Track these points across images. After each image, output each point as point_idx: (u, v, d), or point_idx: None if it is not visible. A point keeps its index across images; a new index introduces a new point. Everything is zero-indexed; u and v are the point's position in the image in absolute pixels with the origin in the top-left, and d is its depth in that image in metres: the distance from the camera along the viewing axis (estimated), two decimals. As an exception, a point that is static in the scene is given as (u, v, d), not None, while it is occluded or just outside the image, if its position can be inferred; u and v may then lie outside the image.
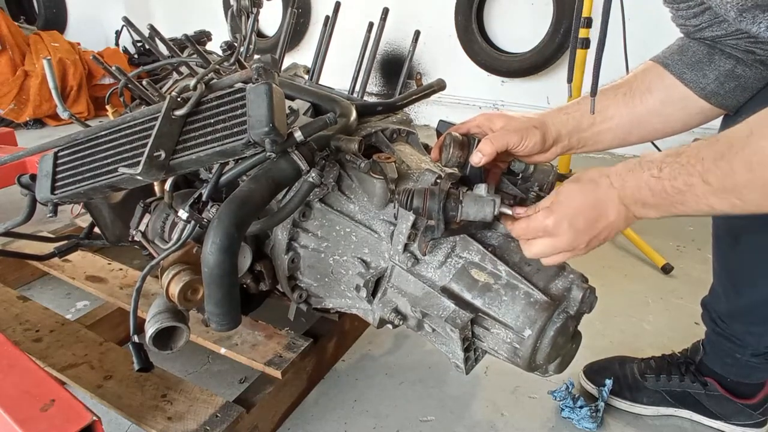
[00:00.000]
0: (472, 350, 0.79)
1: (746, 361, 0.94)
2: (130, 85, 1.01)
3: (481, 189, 0.69)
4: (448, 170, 0.80)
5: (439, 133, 0.84)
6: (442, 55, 3.31)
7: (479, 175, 0.76)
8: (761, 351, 0.92)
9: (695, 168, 0.55)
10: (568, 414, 1.04)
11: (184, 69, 1.26)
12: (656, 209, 0.60)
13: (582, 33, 2.07)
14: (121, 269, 1.32)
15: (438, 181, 0.76)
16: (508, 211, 0.68)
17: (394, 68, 3.64)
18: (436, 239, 0.75)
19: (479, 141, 0.74)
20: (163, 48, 1.20)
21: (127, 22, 1.12)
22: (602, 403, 1.04)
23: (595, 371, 1.13)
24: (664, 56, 0.79)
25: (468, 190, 0.71)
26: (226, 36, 1.23)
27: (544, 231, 0.64)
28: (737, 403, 0.98)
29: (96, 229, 1.12)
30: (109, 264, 1.34)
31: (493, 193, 0.68)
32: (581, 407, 1.03)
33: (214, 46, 1.58)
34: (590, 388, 1.12)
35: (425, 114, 3.48)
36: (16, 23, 3.37)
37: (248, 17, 0.93)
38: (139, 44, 4.14)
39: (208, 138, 0.77)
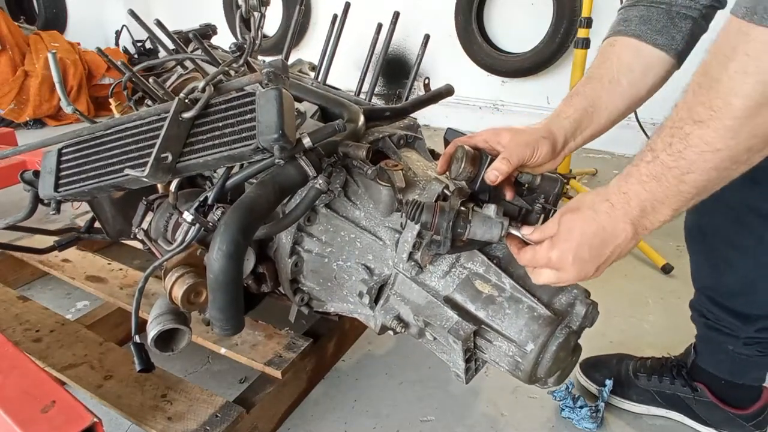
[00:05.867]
0: (473, 360, 0.80)
1: (738, 354, 0.95)
2: (134, 80, 1.00)
3: (491, 210, 0.69)
4: (458, 184, 0.80)
5: (446, 141, 0.84)
6: (442, 55, 3.30)
7: (488, 191, 0.76)
8: (751, 334, 0.93)
9: (681, 117, 0.54)
10: (568, 414, 1.05)
11: (188, 63, 1.24)
12: (667, 201, 0.57)
13: (582, 33, 2.07)
14: (121, 269, 1.32)
15: (447, 193, 0.76)
16: (516, 233, 0.68)
17: (394, 68, 3.62)
18: (439, 254, 0.75)
19: (491, 159, 0.74)
20: (168, 42, 1.19)
21: (133, 15, 1.11)
22: (602, 404, 1.05)
23: (591, 366, 1.15)
24: (632, 29, 0.80)
25: (475, 206, 0.71)
26: (227, 35, 1.21)
27: (549, 264, 0.64)
28: (727, 412, 1.00)
29: (97, 224, 1.11)
30: (109, 264, 1.34)
31: (501, 215, 0.68)
32: (581, 407, 1.04)
33: (216, 41, 1.57)
34: (584, 381, 1.14)
35: (425, 114, 3.47)
36: (16, 23, 3.33)
37: (256, 16, 0.92)
38: (139, 44, 4.10)
39: (216, 142, 0.77)
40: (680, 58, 0.80)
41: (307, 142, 0.76)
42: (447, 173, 0.81)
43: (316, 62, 1.26)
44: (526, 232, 0.68)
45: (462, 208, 0.70)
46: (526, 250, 0.67)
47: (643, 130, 1.96)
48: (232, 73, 1.00)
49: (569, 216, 0.63)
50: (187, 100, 0.78)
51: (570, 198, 2.15)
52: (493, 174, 0.72)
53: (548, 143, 0.76)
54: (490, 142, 0.78)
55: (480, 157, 0.76)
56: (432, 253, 0.75)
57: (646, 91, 0.81)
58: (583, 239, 0.61)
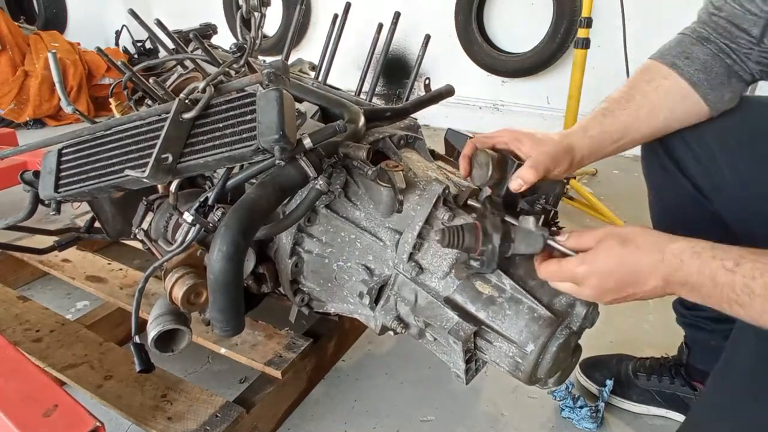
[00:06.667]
0: (473, 361, 0.80)
1: (723, 348, 0.96)
2: (134, 79, 1.00)
3: (530, 223, 0.67)
4: (462, 184, 0.79)
5: (447, 142, 0.84)
6: (442, 55, 3.30)
7: (513, 198, 0.75)
8: (728, 327, 0.94)
9: None
10: (568, 414, 1.06)
11: (188, 63, 1.24)
12: (704, 298, 0.58)
13: (582, 33, 2.08)
14: (121, 269, 1.32)
15: (484, 210, 0.75)
16: (556, 245, 0.66)
17: (395, 68, 3.62)
18: (482, 273, 0.74)
19: (518, 165, 0.73)
20: (168, 42, 1.19)
21: (133, 14, 1.11)
22: (602, 404, 1.05)
23: (591, 365, 1.16)
24: (690, 72, 0.77)
25: (507, 217, 0.70)
26: (227, 36, 1.22)
27: (572, 278, 0.63)
28: None
29: (97, 224, 1.11)
30: (109, 264, 1.34)
31: (540, 226, 0.67)
32: (581, 407, 1.05)
33: (217, 41, 1.56)
34: (584, 381, 1.14)
35: (425, 114, 3.46)
36: (16, 23, 3.33)
37: (257, 17, 0.91)
38: (139, 44, 4.10)
39: (217, 142, 0.77)
40: (717, 113, 0.79)
41: (307, 142, 0.76)
42: (469, 179, 0.80)
43: (316, 62, 1.26)
44: (560, 239, 0.67)
45: (504, 226, 0.68)
46: (550, 263, 0.66)
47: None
48: (233, 73, 1.00)
49: (614, 243, 0.62)
50: (187, 101, 0.78)
51: (571, 198, 2.16)
52: (518, 183, 0.72)
53: (568, 159, 0.76)
54: (511, 146, 0.77)
55: (506, 162, 0.75)
56: (471, 272, 0.74)
57: (672, 130, 0.81)
58: (617, 271, 0.61)
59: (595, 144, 0.78)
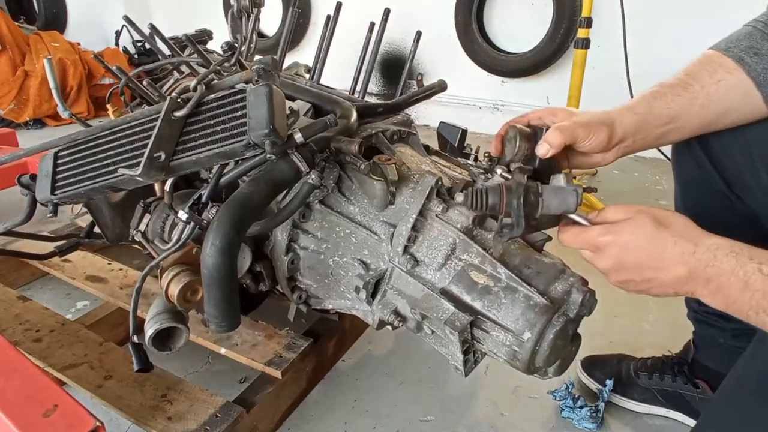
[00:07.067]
0: (471, 352, 0.79)
1: (731, 346, 0.94)
2: (130, 84, 1.01)
3: (560, 179, 0.64)
4: (463, 175, 0.77)
5: (440, 135, 0.84)
6: (442, 55, 3.31)
7: (550, 168, 0.69)
8: (736, 325, 0.92)
9: None
10: (568, 414, 1.05)
11: (184, 68, 1.26)
12: (727, 302, 0.54)
13: (582, 33, 2.08)
14: (121, 269, 1.32)
15: (507, 176, 0.71)
16: (579, 219, 0.63)
17: (394, 68, 3.63)
18: (514, 238, 0.70)
19: (547, 129, 0.69)
20: (163, 47, 1.20)
21: (128, 21, 1.12)
22: (602, 404, 1.04)
23: (592, 364, 1.14)
24: (757, 71, 0.70)
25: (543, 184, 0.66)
26: (227, 37, 1.23)
27: (592, 246, 0.61)
28: None
29: (96, 228, 1.12)
30: (109, 264, 1.34)
31: (572, 182, 0.63)
32: (581, 407, 1.04)
33: (215, 45, 1.58)
34: (585, 378, 1.13)
35: (425, 114, 3.48)
36: (16, 23, 3.37)
37: (249, 17, 0.92)
38: (139, 44, 4.13)
39: (208, 139, 0.77)
40: None
41: (298, 137, 0.77)
42: (502, 156, 0.75)
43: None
44: (592, 215, 0.64)
45: (531, 183, 0.64)
46: (572, 230, 0.62)
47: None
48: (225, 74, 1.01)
49: (647, 220, 0.58)
50: (179, 100, 0.79)
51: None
52: (545, 148, 0.67)
53: (606, 131, 0.70)
54: (545, 119, 0.73)
55: (534, 133, 0.71)
56: (505, 239, 0.70)
57: (721, 127, 0.76)
58: (643, 249, 0.57)
59: (641, 122, 0.73)
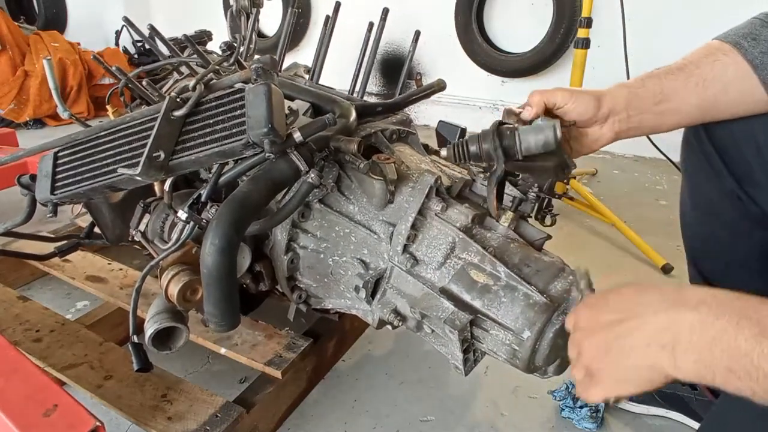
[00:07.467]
0: (471, 351, 0.79)
1: None
2: (130, 85, 1.02)
3: (538, 121, 0.67)
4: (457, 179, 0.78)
5: (438, 134, 0.84)
6: (442, 55, 3.31)
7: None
8: None
9: None
10: (568, 414, 1.04)
11: (184, 69, 1.26)
12: (708, 370, 0.43)
13: (582, 33, 2.08)
14: (121, 269, 1.32)
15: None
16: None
17: (395, 68, 3.64)
18: (500, 180, 0.71)
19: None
20: (163, 48, 1.20)
21: (127, 22, 1.13)
22: (602, 404, 1.04)
23: None
24: (755, 54, 0.69)
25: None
26: (227, 37, 1.23)
27: (573, 322, 0.57)
28: None
29: (96, 229, 1.12)
30: (109, 264, 1.34)
31: (549, 118, 0.65)
32: (581, 407, 1.03)
33: (215, 46, 1.58)
34: None
35: (425, 114, 3.48)
36: (16, 23, 3.37)
37: (248, 17, 0.93)
38: (139, 44, 4.13)
39: (207, 139, 0.77)
40: None
41: (297, 136, 0.77)
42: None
43: (315, 62, 1.27)
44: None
45: (507, 124, 0.68)
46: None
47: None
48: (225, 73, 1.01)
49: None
50: (178, 99, 0.79)
51: (571, 199, 2.14)
52: (527, 110, 0.70)
53: (591, 99, 0.71)
54: (545, 97, 0.73)
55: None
56: (494, 185, 0.70)
57: (722, 112, 0.74)
58: (616, 298, 0.52)
59: (632, 96, 0.72)
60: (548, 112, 0.72)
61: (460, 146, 0.70)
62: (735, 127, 0.76)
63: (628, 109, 0.73)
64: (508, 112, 0.73)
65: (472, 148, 0.69)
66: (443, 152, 0.73)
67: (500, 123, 0.69)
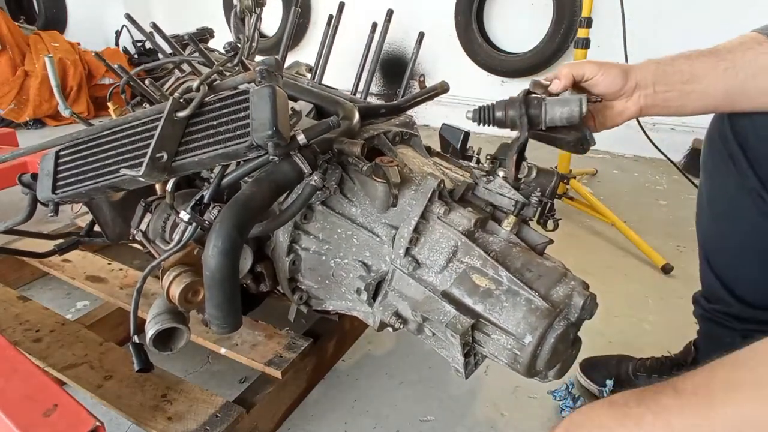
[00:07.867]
0: (472, 355, 0.79)
1: (736, 348, 0.94)
2: (131, 83, 1.01)
3: (566, 93, 0.68)
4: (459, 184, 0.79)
5: (442, 138, 0.84)
6: (442, 55, 3.31)
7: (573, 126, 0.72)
8: (746, 332, 0.91)
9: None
10: (568, 414, 1.04)
11: (186, 66, 1.25)
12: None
13: (582, 33, 2.07)
14: (121, 269, 1.32)
15: (508, 180, 0.78)
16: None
17: (395, 68, 3.63)
18: (522, 146, 0.72)
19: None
20: (165, 46, 1.20)
21: (129, 19, 1.12)
22: None
23: (591, 366, 1.14)
24: None
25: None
26: (227, 36, 1.23)
27: None
28: None
29: (96, 227, 1.12)
30: (109, 264, 1.34)
31: (576, 92, 0.67)
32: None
33: (215, 45, 1.58)
34: (584, 381, 1.13)
35: (425, 114, 3.48)
36: (16, 23, 3.36)
37: (251, 17, 0.92)
38: (139, 44, 4.13)
39: (211, 140, 0.77)
40: None
41: (301, 138, 0.76)
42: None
43: (315, 62, 1.26)
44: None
45: (535, 94, 0.69)
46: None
47: (644, 131, 1.95)
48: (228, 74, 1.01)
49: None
50: (182, 100, 0.79)
51: (571, 199, 2.15)
52: (555, 83, 0.71)
53: (619, 71, 0.72)
54: (573, 71, 0.74)
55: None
56: (515, 152, 0.72)
57: (745, 102, 0.74)
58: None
59: (660, 72, 0.73)
60: (576, 86, 0.74)
61: (486, 110, 0.70)
62: (758, 120, 0.76)
63: (656, 84, 0.73)
64: (536, 84, 0.74)
65: (498, 114, 0.70)
66: (467, 114, 0.75)
67: (528, 92, 0.70)
